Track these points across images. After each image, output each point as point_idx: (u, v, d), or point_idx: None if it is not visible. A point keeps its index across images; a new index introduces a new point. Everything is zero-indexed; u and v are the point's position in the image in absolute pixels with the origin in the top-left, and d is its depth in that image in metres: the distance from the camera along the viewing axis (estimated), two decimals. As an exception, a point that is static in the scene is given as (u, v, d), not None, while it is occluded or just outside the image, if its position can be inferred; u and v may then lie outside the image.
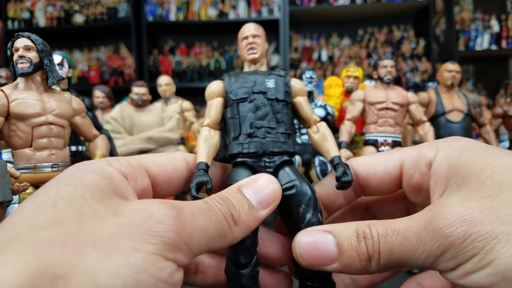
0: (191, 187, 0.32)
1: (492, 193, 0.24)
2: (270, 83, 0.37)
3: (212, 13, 3.29)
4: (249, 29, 0.42)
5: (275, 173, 0.36)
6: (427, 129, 1.19)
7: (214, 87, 0.39)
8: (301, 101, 0.40)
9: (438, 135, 1.22)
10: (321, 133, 0.39)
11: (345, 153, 1.32)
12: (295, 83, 0.40)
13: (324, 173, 1.47)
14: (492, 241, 0.23)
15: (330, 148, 0.38)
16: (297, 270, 0.34)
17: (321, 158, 1.30)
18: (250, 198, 0.29)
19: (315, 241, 0.28)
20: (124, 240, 0.22)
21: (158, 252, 0.22)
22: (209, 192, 0.33)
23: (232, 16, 3.26)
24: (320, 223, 0.33)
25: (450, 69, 1.26)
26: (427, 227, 0.25)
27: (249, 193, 0.29)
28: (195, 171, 0.34)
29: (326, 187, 0.37)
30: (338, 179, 0.34)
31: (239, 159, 0.36)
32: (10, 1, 3.39)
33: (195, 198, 0.32)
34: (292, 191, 0.34)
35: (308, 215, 0.33)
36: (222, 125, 0.40)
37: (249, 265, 0.32)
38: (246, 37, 0.42)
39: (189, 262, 0.25)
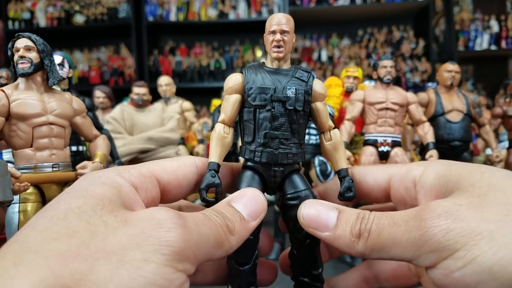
0: (201, 189, 0.33)
1: (480, 193, 0.25)
2: (291, 92, 0.36)
3: (212, 13, 3.29)
4: (279, 23, 0.38)
5: (282, 181, 0.38)
6: (426, 129, 1.19)
7: (233, 83, 0.37)
8: (319, 107, 0.39)
9: (438, 135, 1.22)
10: (333, 143, 0.39)
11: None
12: (317, 87, 0.38)
13: (323, 173, 1.48)
14: (476, 237, 0.22)
15: (339, 159, 0.38)
16: (292, 266, 0.36)
17: (321, 158, 1.30)
18: (241, 211, 0.30)
19: (320, 211, 0.30)
20: (135, 250, 0.22)
21: (168, 263, 0.23)
22: (218, 195, 0.34)
23: (232, 16, 3.26)
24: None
25: (449, 69, 1.26)
26: (415, 216, 0.26)
27: (239, 206, 0.30)
28: (206, 171, 0.34)
29: (328, 189, 0.39)
30: (341, 194, 0.36)
31: (249, 163, 0.36)
32: (10, 2, 3.39)
33: (204, 200, 0.34)
34: (295, 201, 0.35)
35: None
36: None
37: (250, 262, 0.34)
38: (273, 32, 0.38)
39: (194, 270, 0.25)
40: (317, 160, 1.29)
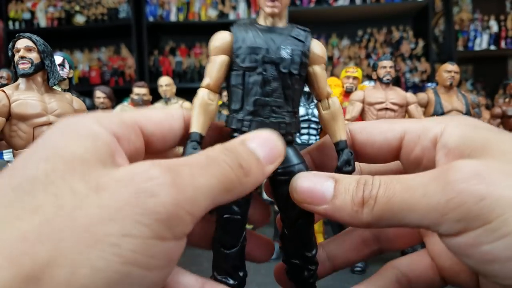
0: None
1: None
2: (285, 53, 0.32)
3: (212, 13, 3.29)
4: None
5: None
6: (425, 129, 1.20)
7: (220, 42, 0.32)
8: (317, 71, 0.34)
9: (437, 135, 1.23)
10: (331, 112, 0.34)
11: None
12: (315, 48, 0.33)
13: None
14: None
15: (338, 129, 0.34)
16: (283, 248, 0.33)
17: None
18: (256, 152, 0.25)
19: (315, 182, 0.26)
20: (109, 224, 0.18)
21: (153, 235, 0.18)
22: None
23: (232, 16, 3.27)
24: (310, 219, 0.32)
25: (449, 70, 1.27)
26: (437, 178, 0.22)
27: (254, 146, 0.25)
28: (187, 142, 0.29)
29: (323, 148, 0.35)
30: (339, 168, 0.32)
31: (236, 134, 0.31)
32: (11, 2, 3.40)
33: None
34: (287, 177, 0.31)
35: (301, 220, 0.31)
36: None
37: (237, 244, 0.30)
38: None
39: (193, 226, 0.21)
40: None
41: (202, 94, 0.32)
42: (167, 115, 0.29)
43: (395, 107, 1.20)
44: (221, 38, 0.32)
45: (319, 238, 1.65)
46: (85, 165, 0.20)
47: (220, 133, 0.33)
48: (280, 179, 0.32)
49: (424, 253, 0.31)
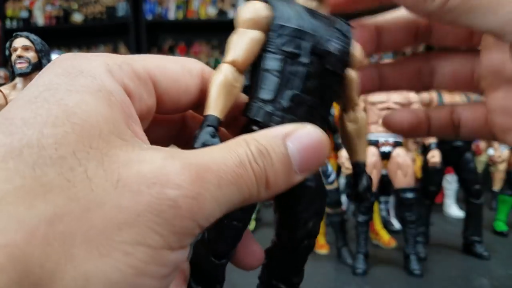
0: (195, 148, 0.23)
1: None
2: (334, 47, 0.26)
3: (211, 11, 3.28)
4: None
5: None
6: (428, 129, 1.19)
7: (254, 14, 0.26)
8: (352, 76, 0.29)
9: (440, 135, 1.22)
10: (358, 127, 0.30)
11: (345, 153, 1.31)
12: (356, 49, 0.28)
13: (324, 173, 1.47)
14: None
15: (360, 148, 0.30)
16: (267, 267, 0.29)
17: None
18: (293, 156, 0.21)
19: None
20: (126, 230, 0.16)
21: (165, 245, 0.17)
22: None
23: (231, 14, 3.25)
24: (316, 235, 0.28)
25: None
26: None
27: (293, 148, 0.21)
28: (202, 125, 0.24)
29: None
30: (359, 194, 0.29)
31: (256, 128, 0.26)
32: (8, 0, 3.38)
33: None
34: (310, 183, 0.26)
35: (311, 224, 0.27)
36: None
37: (228, 254, 0.26)
38: None
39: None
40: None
41: (226, 71, 0.26)
42: (184, 70, 0.24)
43: (397, 107, 1.19)
44: (256, 10, 0.26)
45: (321, 240, 1.64)
46: (102, 139, 0.17)
47: (232, 115, 0.27)
48: (301, 184, 0.25)
49: (481, 105, 0.30)
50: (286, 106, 0.26)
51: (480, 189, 1.55)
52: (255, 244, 0.29)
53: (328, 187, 1.51)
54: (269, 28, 0.26)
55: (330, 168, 1.54)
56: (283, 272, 0.29)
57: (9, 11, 3.36)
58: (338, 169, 1.70)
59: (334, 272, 1.43)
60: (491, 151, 1.87)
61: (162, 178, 0.17)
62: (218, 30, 3.45)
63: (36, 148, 0.15)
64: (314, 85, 0.26)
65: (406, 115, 0.31)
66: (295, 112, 0.26)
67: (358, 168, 0.29)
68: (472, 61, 0.30)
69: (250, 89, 0.28)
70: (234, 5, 3.28)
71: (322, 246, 1.62)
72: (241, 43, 0.26)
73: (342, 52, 0.27)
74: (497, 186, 2.18)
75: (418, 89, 0.33)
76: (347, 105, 0.30)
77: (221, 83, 0.25)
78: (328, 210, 1.56)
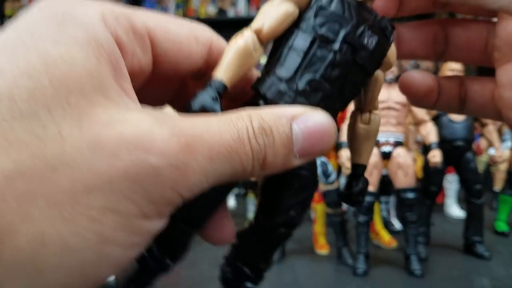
0: (190, 109, 0.22)
1: None
2: (370, 42, 0.26)
3: (211, 10, 3.27)
4: None
5: None
6: (429, 129, 1.18)
7: None
8: (379, 78, 0.28)
9: (440, 135, 1.21)
10: (370, 129, 0.29)
11: (345, 152, 1.30)
12: (392, 52, 0.28)
13: (324, 173, 1.46)
14: None
15: (366, 151, 0.29)
16: (236, 247, 0.28)
17: (322, 159, 1.28)
18: (296, 139, 0.20)
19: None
20: (95, 195, 0.15)
21: (138, 213, 0.16)
22: None
23: (231, 13, 3.24)
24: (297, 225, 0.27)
25: (452, 68, 1.25)
26: None
27: (298, 131, 0.20)
28: (207, 85, 0.23)
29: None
30: (351, 195, 0.29)
31: (262, 102, 0.25)
32: (7, -1, 3.38)
33: None
34: (304, 172, 0.26)
35: (293, 212, 0.26)
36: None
37: (199, 223, 0.25)
38: None
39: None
40: (318, 160, 1.28)
41: (248, 38, 0.24)
42: (189, 35, 0.22)
43: (397, 106, 1.19)
44: None
45: (321, 240, 1.64)
46: (83, 95, 0.15)
47: (240, 88, 0.26)
48: (294, 172, 0.25)
49: (491, 80, 0.29)
50: (301, 88, 0.25)
51: (481, 189, 1.55)
52: (228, 221, 0.28)
53: (328, 187, 1.50)
54: (308, 5, 0.25)
55: (331, 168, 1.53)
56: (251, 256, 0.28)
57: (8, 10, 3.36)
58: (339, 169, 1.70)
59: (335, 272, 1.42)
60: (492, 151, 1.87)
61: (146, 144, 0.16)
62: (218, 29, 3.43)
63: (6, 101, 0.14)
64: (337, 74, 0.25)
65: (427, 77, 0.30)
66: (309, 97, 0.25)
67: (358, 170, 0.29)
68: (487, 31, 0.29)
69: (267, 63, 0.27)
70: (234, 4, 3.27)
71: (322, 246, 1.61)
72: (273, 13, 0.25)
73: (378, 51, 0.26)
74: (498, 186, 2.17)
75: (431, 57, 0.32)
76: (366, 106, 0.29)
77: (239, 49, 0.24)
78: (328, 210, 1.55)
